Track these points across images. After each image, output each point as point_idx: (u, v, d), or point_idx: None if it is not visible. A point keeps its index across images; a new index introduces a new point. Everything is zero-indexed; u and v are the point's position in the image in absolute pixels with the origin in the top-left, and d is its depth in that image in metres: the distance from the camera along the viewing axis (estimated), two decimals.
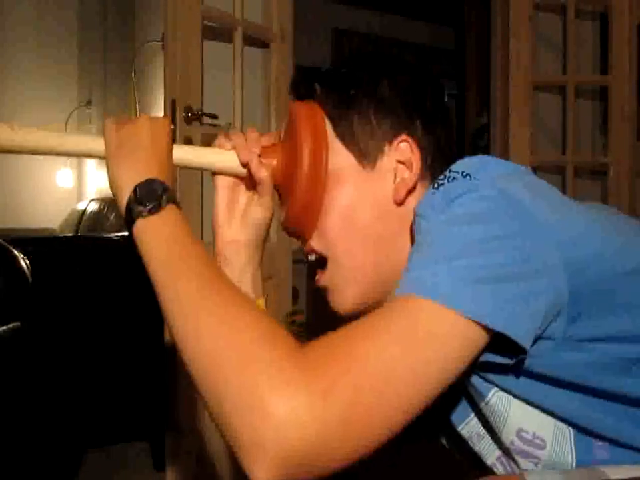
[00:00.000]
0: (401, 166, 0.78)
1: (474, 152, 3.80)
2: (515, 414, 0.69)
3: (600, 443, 0.67)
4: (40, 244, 2.57)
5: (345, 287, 0.79)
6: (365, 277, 0.78)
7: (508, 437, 0.71)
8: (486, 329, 0.57)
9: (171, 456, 1.99)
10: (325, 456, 0.51)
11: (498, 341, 0.59)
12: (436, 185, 0.70)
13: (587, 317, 0.62)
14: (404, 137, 0.78)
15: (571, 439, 0.68)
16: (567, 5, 2.58)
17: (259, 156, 0.80)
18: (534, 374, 0.65)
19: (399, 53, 0.89)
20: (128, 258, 2.82)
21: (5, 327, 1.92)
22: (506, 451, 0.73)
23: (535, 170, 2.60)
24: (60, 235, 4.30)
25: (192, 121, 1.99)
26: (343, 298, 0.80)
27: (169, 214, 0.67)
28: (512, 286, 0.58)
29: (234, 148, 0.81)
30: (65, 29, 5.24)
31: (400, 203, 0.77)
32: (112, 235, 3.09)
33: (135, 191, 0.68)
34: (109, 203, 4.33)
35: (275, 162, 0.81)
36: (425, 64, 0.86)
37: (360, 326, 0.57)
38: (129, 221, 0.67)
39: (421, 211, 0.68)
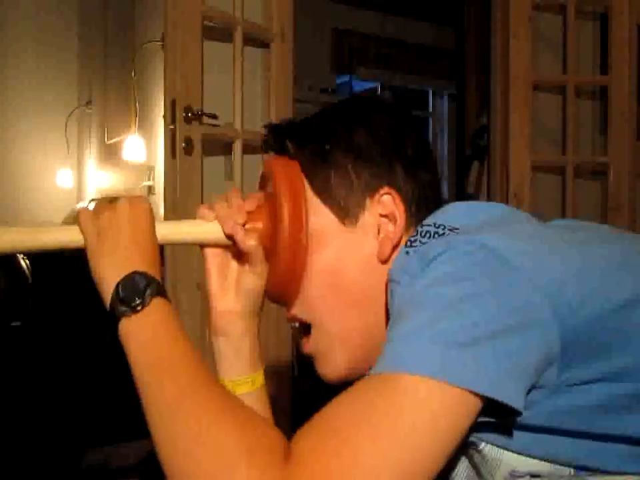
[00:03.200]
0: (384, 220, 0.73)
1: (474, 152, 3.79)
2: (509, 460, 0.66)
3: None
4: None
5: (332, 353, 0.75)
6: (353, 342, 0.75)
7: (501, 478, 0.67)
8: (478, 395, 0.54)
9: None
10: None
11: (489, 402, 0.55)
12: (409, 244, 0.67)
13: (578, 361, 0.59)
14: (386, 189, 0.73)
15: (570, 474, 0.65)
16: (567, 5, 2.58)
17: (244, 224, 0.75)
18: (526, 426, 0.61)
19: (375, 95, 0.86)
20: None
21: (4, 327, 1.92)
22: None
23: (535, 170, 2.60)
24: None
25: (192, 121, 1.99)
26: (332, 366, 0.76)
27: (153, 311, 0.64)
28: (500, 344, 0.55)
29: (217, 219, 0.76)
30: (65, 28, 5.24)
31: (385, 260, 0.73)
32: None
33: (117, 288, 0.65)
34: None
35: (260, 225, 0.76)
36: (402, 106, 0.82)
37: (343, 417, 0.53)
38: (112, 319, 0.65)
39: (395, 277, 0.64)
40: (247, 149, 2.19)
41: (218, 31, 2.17)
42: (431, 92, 5.63)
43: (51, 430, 2.13)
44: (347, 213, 0.74)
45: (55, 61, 5.23)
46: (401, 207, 0.73)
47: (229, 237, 0.76)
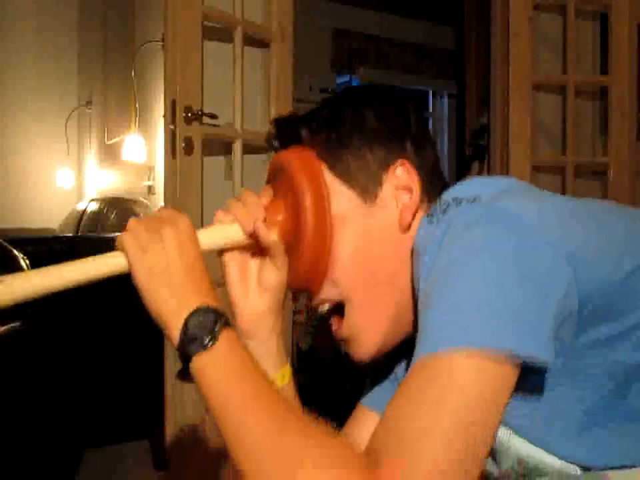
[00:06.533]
0: (400, 191, 0.77)
1: (474, 152, 3.78)
2: (517, 447, 0.68)
3: None
4: (40, 244, 2.57)
5: (366, 333, 0.77)
6: (387, 315, 0.77)
7: (507, 462, 0.70)
8: (516, 359, 0.57)
9: (172, 455, 1.99)
10: None
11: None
12: (430, 215, 0.71)
13: (592, 321, 0.62)
14: (399, 162, 0.77)
15: (577, 473, 0.66)
16: (567, 5, 2.58)
17: (264, 220, 0.75)
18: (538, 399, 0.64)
19: (371, 83, 0.91)
20: None
21: (4, 327, 1.92)
22: (505, 474, 0.72)
23: (535, 170, 2.60)
24: (60, 235, 4.29)
25: (192, 121, 1.99)
26: (366, 346, 0.78)
27: (224, 345, 0.64)
28: (531, 307, 0.58)
29: (236, 219, 0.75)
30: (65, 28, 5.24)
31: (407, 228, 0.76)
32: (112, 234, 3.09)
33: (185, 328, 0.64)
34: (109, 203, 4.33)
35: (280, 218, 0.77)
36: (400, 92, 0.86)
37: (410, 415, 0.55)
38: (183, 357, 0.65)
39: (421, 249, 0.68)
40: (247, 149, 2.19)
41: (218, 31, 2.17)
42: (430, 92, 5.63)
43: (51, 430, 2.13)
44: (366, 191, 0.77)
45: (55, 61, 5.24)
46: (415, 177, 0.77)
47: (251, 235, 0.75)
